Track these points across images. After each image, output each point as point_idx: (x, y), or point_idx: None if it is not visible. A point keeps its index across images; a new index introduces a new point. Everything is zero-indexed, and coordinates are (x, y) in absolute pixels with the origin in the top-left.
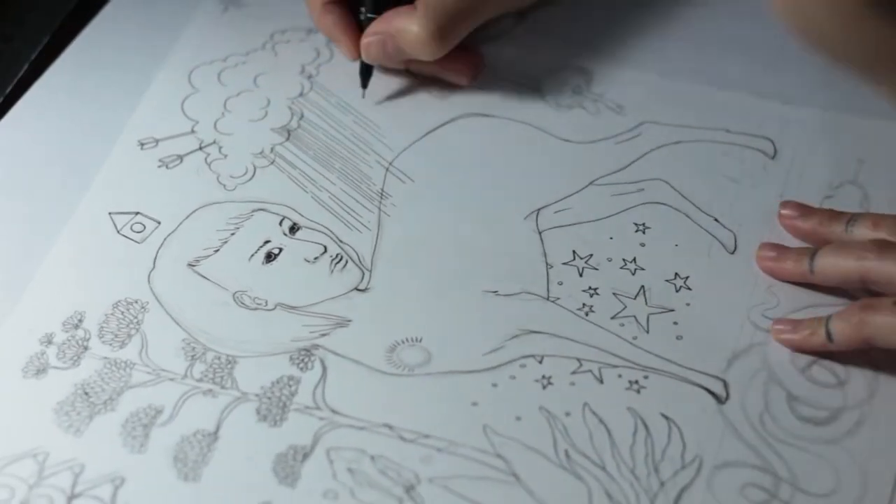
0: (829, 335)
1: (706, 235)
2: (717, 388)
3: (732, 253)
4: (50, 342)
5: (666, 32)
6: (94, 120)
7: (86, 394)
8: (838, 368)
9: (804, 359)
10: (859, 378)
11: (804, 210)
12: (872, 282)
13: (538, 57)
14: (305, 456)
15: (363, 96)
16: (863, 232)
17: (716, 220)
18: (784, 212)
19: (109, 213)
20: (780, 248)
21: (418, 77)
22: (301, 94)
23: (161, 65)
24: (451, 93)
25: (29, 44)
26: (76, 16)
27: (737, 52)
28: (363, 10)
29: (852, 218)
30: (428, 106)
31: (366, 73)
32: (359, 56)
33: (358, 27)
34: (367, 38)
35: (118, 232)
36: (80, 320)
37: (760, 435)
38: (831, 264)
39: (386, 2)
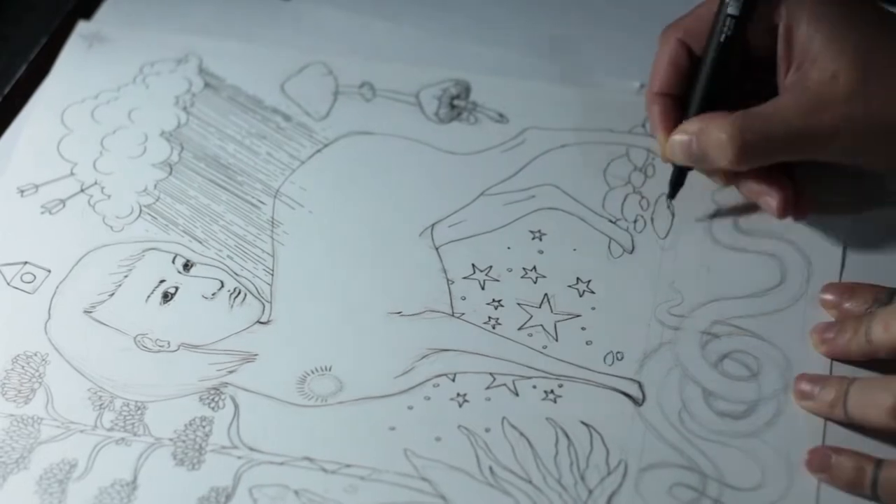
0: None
1: (603, 237)
2: (633, 390)
3: (631, 252)
4: None
5: (534, 36)
6: None
7: None
8: (750, 361)
9: (715, 354)
10: (772, 369)
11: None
12: None
13: (413, 71)
14: (228, 497)
15: (668, 207)
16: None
17: (611, 220)
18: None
19: None
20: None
21: None
22: (178, 127)
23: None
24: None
25: (27, 44)
26: (74, 16)
27: (606, 48)
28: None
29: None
30: (306, 129)
31: (677, 179)
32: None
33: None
34: (674, 135)
35: (8, 284)
36: None
37: (682, 434)
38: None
39: (713, 103)
